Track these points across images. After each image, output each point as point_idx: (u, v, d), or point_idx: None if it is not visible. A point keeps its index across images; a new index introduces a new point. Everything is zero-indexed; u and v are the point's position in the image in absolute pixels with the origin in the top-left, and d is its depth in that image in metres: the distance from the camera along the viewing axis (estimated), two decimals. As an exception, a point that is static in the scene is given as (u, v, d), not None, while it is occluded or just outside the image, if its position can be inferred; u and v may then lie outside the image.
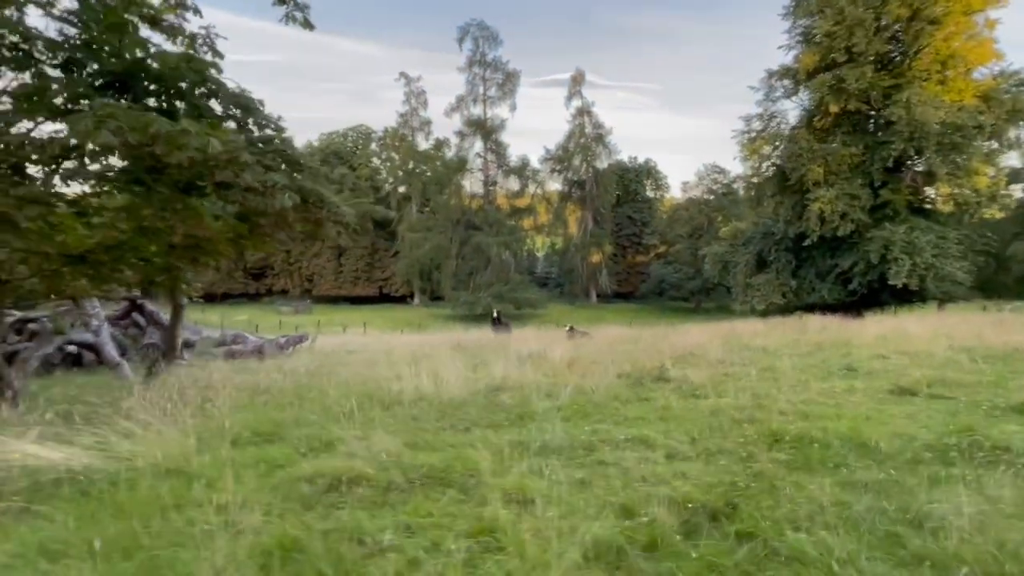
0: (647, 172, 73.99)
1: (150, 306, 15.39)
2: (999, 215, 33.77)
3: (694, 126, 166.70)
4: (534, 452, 4.62)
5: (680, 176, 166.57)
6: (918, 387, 6.62)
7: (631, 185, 72.72)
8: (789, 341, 13.19)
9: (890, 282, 28.01)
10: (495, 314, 19.03)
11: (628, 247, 73.09)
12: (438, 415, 6.03)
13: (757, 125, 34.36)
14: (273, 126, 7.59)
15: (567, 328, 18.29)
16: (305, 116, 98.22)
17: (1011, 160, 32.74)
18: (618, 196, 72.18)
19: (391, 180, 69.69)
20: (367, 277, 72.76)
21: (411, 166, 67.78)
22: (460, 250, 58.21)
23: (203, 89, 6.82)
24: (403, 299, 70.41)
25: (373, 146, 73.66)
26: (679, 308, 64.06)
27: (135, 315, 15.46)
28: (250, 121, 7.44)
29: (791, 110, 44.09)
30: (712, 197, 67.67)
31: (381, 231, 72.35)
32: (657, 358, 9.59)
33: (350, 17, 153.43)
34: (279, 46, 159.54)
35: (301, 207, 7.38)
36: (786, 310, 30.94)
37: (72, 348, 11.84)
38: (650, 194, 75.14)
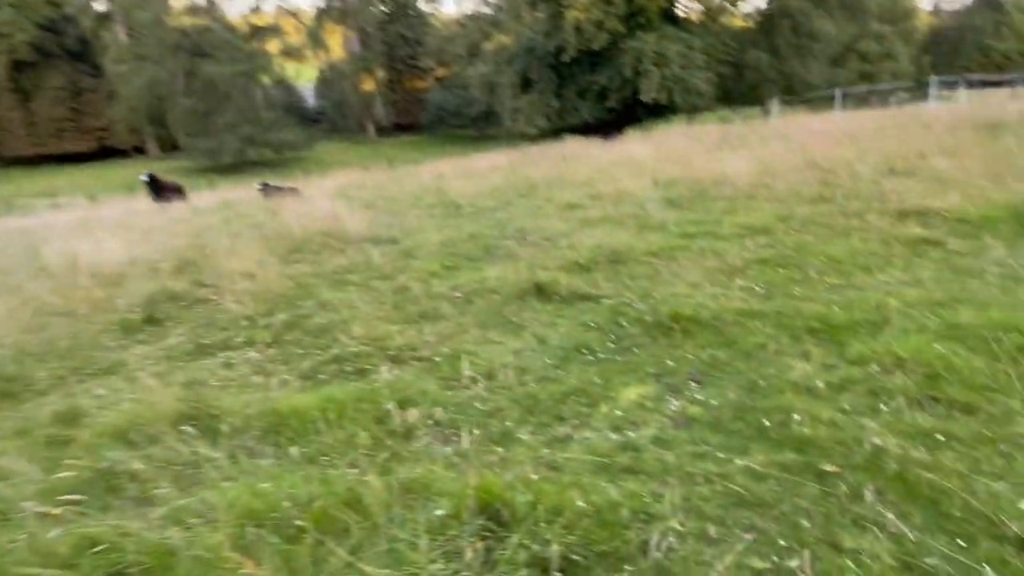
0: (416, -20, 64.33)
1: None
2: (741, 23, 34.06)
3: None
4: None
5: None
6: (561, 283, 4.24)
7: (399, -3, 63.13)
8: (500, 184, 10.75)
9: (641, 97, 27.24)
10: (146, 177, 13.51)
11: (404, 71, 65.19)
12: None
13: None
14: None
15: (259, 186, 13.97)
16: None
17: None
18: (385, 12, 62.58)
19: (79, -9, 51.67)
20: (75, 127, 56.44)
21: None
22: (188, 85, 46.36)
23: None
24: (134, 152, 56.73)
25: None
26: (462, 137, 60.64)
27: None
28: None
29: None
30: (489, 11, 61.43)
31: (80, 64, 55.12)
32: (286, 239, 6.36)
33: None
34: None
35: None
36: (554, 133, 29.29)
37: None
38: (423, 7, 66.29)
